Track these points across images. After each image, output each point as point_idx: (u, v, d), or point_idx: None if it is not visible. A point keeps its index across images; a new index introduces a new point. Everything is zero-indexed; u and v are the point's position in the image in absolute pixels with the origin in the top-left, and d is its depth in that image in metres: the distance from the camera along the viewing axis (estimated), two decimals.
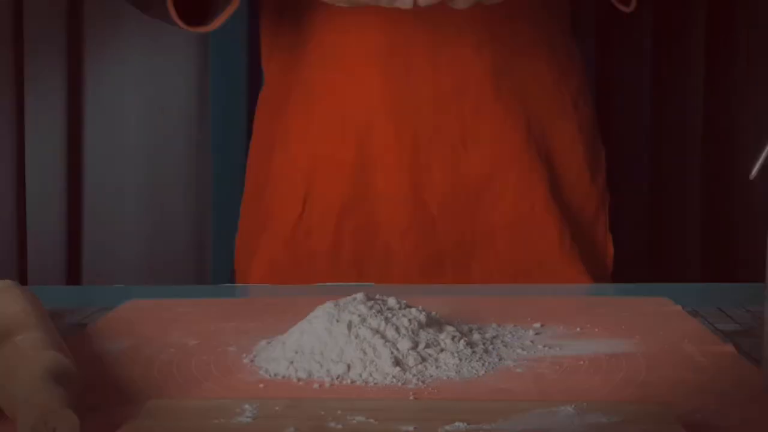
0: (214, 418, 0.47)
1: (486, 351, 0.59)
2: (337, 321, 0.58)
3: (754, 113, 1.38)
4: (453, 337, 0.59)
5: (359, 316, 0.58)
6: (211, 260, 1.43)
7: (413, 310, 0.60)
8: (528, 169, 0.95)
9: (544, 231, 0.95)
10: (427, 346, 0.58)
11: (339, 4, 0.80)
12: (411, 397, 0.52)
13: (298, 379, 0.55)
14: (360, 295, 0.61)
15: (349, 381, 0.54)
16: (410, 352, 0.56)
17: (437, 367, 0.56)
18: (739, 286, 0.84)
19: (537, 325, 0.67)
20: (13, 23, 1.37)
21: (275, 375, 0.56)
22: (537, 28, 0.96)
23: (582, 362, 0.58)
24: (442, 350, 0.58)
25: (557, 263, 0.95)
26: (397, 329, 0.58)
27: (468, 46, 0.93)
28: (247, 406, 0.49)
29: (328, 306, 0.60)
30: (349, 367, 0.55)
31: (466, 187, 0.94)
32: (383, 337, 0.57)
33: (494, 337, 0.63)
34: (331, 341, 0.57)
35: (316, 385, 0.54)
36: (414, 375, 0.55)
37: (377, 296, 0.61)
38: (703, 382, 0.54)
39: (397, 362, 0.56)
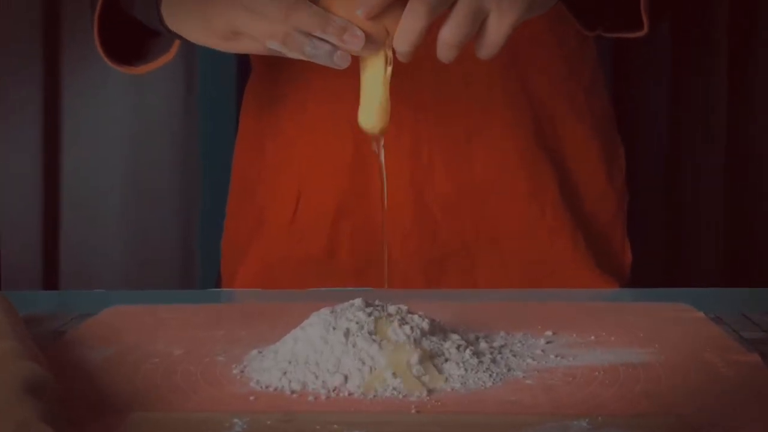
0: None
1: (494, 361, 0.59)
2: (334, 329, 0.58)
3: None
4: (458, 346, 0.59)
5: (357, 323, 0.58)
6: (198, 263, 1.43)
7: (415, 316, 0.60)
8: (538, 169, 0.94)
9: (556, 236, 0.95)
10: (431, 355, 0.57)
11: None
12: (413, 411, 0.52)
13: (292, 391, 0.55)
14: (358, 301, 0.61)
15: (346, 393, 0.54)
16: None
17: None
18: (764, 291, 0.84)
19: (548, 333, 0.67)
20: None
21: (267, 387, 0.56)
22: (546, 18, 0.96)
23: (596, 373, 0.58)
24: (446, 360, 0.58)
25: (569, 272, 0.94)
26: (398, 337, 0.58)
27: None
28: (236, 420, 0.48)
29: (324, 312, 0.60)
30: (346, 378, 0.55)
31: (471, 188, 0.94)
32: None
33: (502, 346, 0.63)
34: (327, 350, 0.57)
35: (311, 398, 0.54)
36: None
37: (376, 302, 0.61)
38: (726, 394, 0.54)
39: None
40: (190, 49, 1.41)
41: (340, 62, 0.66)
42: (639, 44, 1.40)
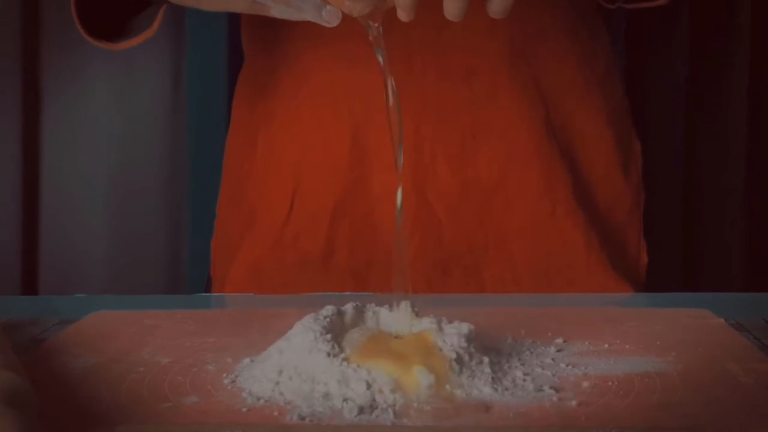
0: None
1: (500, 370, 0.59)
2: (327, 341, 0.58)
3: None
4: (462, 354, 0.59)
5: (351, 332, 0.58)
6: (186, 266, 1.43)
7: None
8: (548, 165, 0.94)
9: (568, 236, 0.95)
10: None
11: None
12: (413, 423, 0.51)
13: (286, 403, 0.55)
14: (349, 308, 0.61)
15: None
16: None
17: None
18: None
19: (559, 340, 0.67)
20: None
21: (260, 398, 0.56)
22: (557, 5, 0.96)
23: (610, 383, 0.58)
24: (449, 369, 0.57)
25: (582, 274, 0.94)
26: None
27: (479, 25, 0.92)
28: None
29: (310, 321, 0.60)
30: (342, 389, 0.55)
31: (477, 186, 0.94)
32: None
33: (510, 354, 0.63)
34: (321, 362, 0.57)
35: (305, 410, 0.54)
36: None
37: (368, 306, 0.62)
38: (747, 405, 0.54)
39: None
40: (178, 43, 1.42)
41: (329, 18, 0.65)
42: (654, 36, 1.40)
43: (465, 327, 0.60)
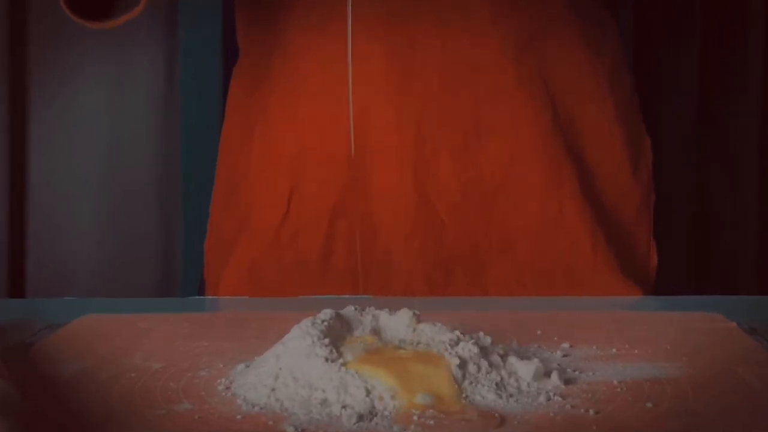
0: None
1: (505, 375, 0.59)
2: (325, 345, 0.58)
3: None
4: (464, 360, 0.59)
5: (349, 338, 0.58)
6: (180, 268, 1.43)
7: (412, 327, 0.60)
8: (554, 162, 0.94)
9: (574, 236, 0.95)
10: None
11: None
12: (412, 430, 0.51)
13: (282, 410, 0.55)
14: (349, 310, 0.61)
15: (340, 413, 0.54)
16: None
17: None
18: None
19: (565, 345, 0.67)
20: None
21: (255, 405, 0.55)
22: None
23: (618, 389, 0.58)
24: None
25: (588, 275, 0.94)
26: None
27: (484, 17, 0.93)
28: None
29: (308, 324, 0.60)
30: (340, 397, 0.55)
31: (481, 184, 0.94)
32: None
33: (515, 360, 0.63)
34: (318, 369, 0.57)
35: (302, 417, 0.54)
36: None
37: (367, 310, 0.62)
38: (759, 411, 0.53)
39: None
40: (171, 41, 1.42)
41: None
42: (664, 29, 1.39)
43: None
